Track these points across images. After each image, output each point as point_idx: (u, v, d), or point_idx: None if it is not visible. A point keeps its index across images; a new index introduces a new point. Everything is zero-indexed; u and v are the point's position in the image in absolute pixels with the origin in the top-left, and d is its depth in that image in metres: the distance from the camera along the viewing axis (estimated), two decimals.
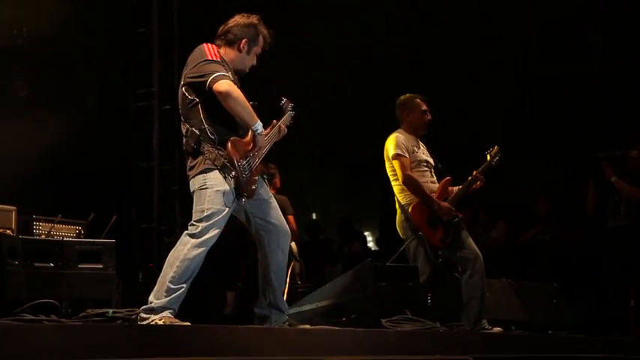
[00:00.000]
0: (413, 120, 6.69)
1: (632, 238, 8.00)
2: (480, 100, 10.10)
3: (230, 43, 5.06)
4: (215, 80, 4.74)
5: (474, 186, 6.60)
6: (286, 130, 5.30)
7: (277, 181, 8.71)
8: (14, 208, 6.45)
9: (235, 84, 4.84)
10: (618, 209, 8.13)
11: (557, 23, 10.61)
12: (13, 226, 6.37)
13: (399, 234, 6.71)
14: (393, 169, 6.58)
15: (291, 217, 8.32)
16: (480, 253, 6.41)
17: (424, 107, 6.70)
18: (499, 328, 6.36)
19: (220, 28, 5.11)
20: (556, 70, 10.53)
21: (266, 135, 5.07)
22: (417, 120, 6.69)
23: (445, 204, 6.46)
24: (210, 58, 4.88)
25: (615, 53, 10.27)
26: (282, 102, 5.47)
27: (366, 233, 12.64)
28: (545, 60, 10.73)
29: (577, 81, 10.32)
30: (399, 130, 6.69)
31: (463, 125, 9.67)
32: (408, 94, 6.77)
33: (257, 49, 5.12)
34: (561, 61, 10.53)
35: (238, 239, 7.86)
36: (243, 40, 5.05)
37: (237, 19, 5.10)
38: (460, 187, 6.61)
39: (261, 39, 5.11)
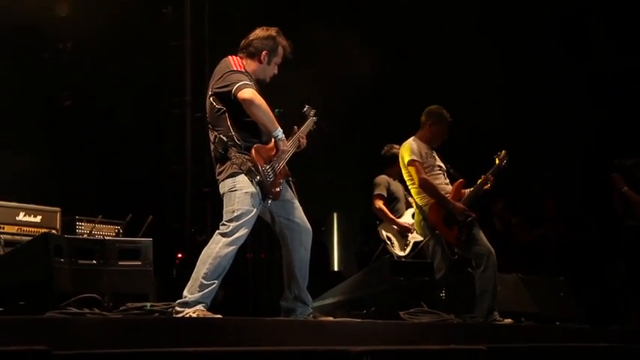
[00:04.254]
0: (434, 131, 6.70)
1: None
2: (489, 103, 10.09)
3: (252, 55, 5.10)
4: (239, 89, 4.79)
5: (485, 187, 6.63)
6: (305, 142, 5.31)
7: None
8: (59, 209, 6.53)
9: (258, 93, 4.89)
10: (634, 210, 8.14)
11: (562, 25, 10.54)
12: (58, 226, 6.44)
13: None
14: (409, 174, 6.62)
15: None
16: (492, 249, 6.42)
17: (447, 126, 6.73)
18: (510, 320, 6.38)
19: (242, 42, 5.16)
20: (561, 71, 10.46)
21: (289, 140, 5.11)
22: (437, 133, 6.71)
23: (459, 204, 6.48)
24: (235, 69, 4.94)
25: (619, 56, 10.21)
26: (305, 109, 5.49)
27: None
28: (548, 58, 10.64)
29: (584, 82, 10.27)
30: (413, 137, 6.72)
31: (472, 130, 9.65)
32: (440, 107, 6.77)
33: (277, 60, 5.17)
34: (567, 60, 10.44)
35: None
36: (264, 52, 5.10)
37: (257, 33, 5.14)
38: (472, 188, 6.64)
39: (280, 49, 5.15)
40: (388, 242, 7.38)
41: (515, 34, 10.24)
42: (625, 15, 10.04)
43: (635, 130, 9.33)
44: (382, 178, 7.62)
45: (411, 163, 6.57)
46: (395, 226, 7.46)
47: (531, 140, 10.09)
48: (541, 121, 10.26)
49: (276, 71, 5.19)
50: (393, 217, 7.45)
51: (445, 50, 10.12)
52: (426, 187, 6.52)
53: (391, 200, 7.60)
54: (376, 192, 7.54)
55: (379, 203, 7.49)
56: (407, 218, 7.50)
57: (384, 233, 7.45)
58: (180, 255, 9.22)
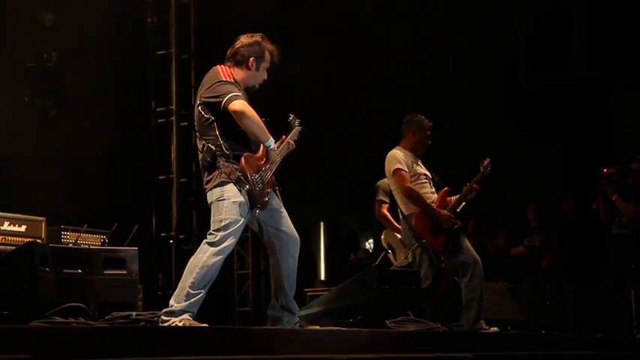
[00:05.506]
0: (417, 139, 6.68)
1: (633, 245, 8.01)
2: (471, 111, 10.13)
3: (239, 63, 5.08)
4: (230, 100, 4.78)
5: (470, 195, 6.63)
6: (294, 145, 5.32)
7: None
8: (44, 219, 6.50)
9: (247, 102, 4.89)
10: (621, 218, 8.14)
11: (543, 33, 10.61)
12: (43, 236, 6.41)
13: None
14: (394, 184, 6.61)
15: None
16: (478, 258, 6.41)
17: (429, 132, 6.72)
18: (496, 328, 6.37)
19: (228, 51, 5.12)
20: (543, 80, 10.53)
21: (277, 149, 5.10)
22: (420, 140, 6.69)
23: (445, 212, 6.47)
24: (224, 79, 4.91)
25: (600, 61, 10.28)
26: (290, 118, 5.45)
27: (371, 240, 12.60)
28: (532, 70, 10.71)
29: (564, 89, 10.33)
30: (398, 147, 6.70)
31: (455, 137, 9.69)
32: (419, 114, 6.76)
33: (265, 65, 5.13)
34: (548, 70, 10.51)
35: None
36: (251, 59, 5.07)
37: (242, 40, 5.12)
38: (457, 196, 6.63)
39: (267, 54, 5.11)
40: (389, 251, 7.30)
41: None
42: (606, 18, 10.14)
43: (614, 138, 9.41)
44: (382, 182, 7.29)
45: (396, 172, 6.56)
46: (398, 234, 7.18)
47: (510, 148, 10.14)
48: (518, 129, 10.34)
49: (265, 76, 5.16)
50: (396, 224, 7.15)
51: (426, 61, 10.18)
52: (411, 196, 6.51)
53: (392, 204, 7.23)
54: (377, 198, 7.38)
55: (383, 210, 7.35)
56: None
57: (386, 241, 7.34)
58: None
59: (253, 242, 9.52)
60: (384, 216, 7.31)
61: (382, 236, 7.40)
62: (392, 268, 7.06)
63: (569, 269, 8.95)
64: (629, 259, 8.00)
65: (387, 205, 7.31)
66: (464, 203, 6.54)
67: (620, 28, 9.94)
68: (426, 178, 6.65)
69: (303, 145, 5.40)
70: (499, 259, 9.60)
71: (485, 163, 6.72)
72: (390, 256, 7.27)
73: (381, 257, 7.36)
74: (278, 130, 5.24)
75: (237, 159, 4.82)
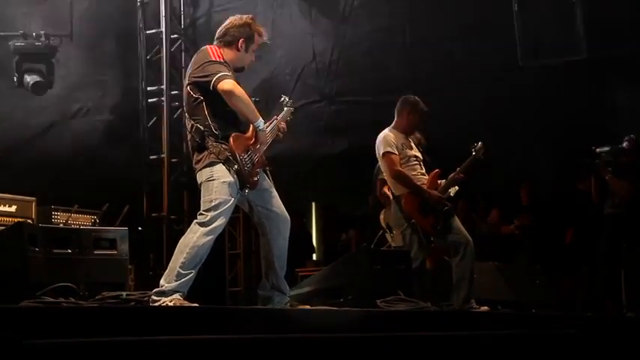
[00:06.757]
0: (410, 121, 6.65)
1: (625, 225, 8.00)
2: (467, 93, 10.08)
3: (229, 44, 5.07)
4: (219, 80, 4.77)
5: (459, 178, 6.61)
6: (286, 128, 5.31)
7: None
8: (34, 199, 6.50)
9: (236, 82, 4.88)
10: (614, 197, 8.12)
11: (544, 13, 10.53)
12: (34, 216, 6.41)
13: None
14: (384, 166, 6.61)
15: None
16: (470, 238, 6.42)
17: (423, 116, 6.70)
18: (486, 307, 6.40)
19: (218, 31, 5.13)
20: (544, 61, 10.46)
21: (267, 130, 5.10)
22: (413, 122, 6.67)
23: (435, 193, 6.47)
24: (214, 59, 4.90)
25: (602, 43, 10.21)
26: (282, 99, 5.48)
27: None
28: (532, 51, 10.64)
29: (565, 71, 10.27)
30: (389, 128, 6.67)
31: (450, 118, 9.64)
32: (416, 97, 6.73)
33: (254, 47, 5.14)
34: (549, 51, 10.45)
35: None
36: (241, 40, 5.07)
37: (233, 21, 5.12)
38: (447, 179, 6.62)
39: (256, 36, 5.13)
40: (387, 230, 7.30)
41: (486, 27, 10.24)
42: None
43: (607, 119, 9.37)
44: None
45: (385, 155, 6.54)
46: None
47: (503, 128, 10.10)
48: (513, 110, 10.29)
49: (253, 58, 5.17)
50: None
51: (423, 38, 10.11)
52: (399, 178, 6.50)
53: None
54: (380, 177, 7.36)
55: (384, 189, 7.31)
56: None
57: (385, 221, 7.34)
58: None
59: (244, 222, 9.52)
60: (386, 194, 7.32)
61: (381, 216, 7.41)
62: (386, 248, 7.06)
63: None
64: (621, 238, 8.00)
65: (387, 184, 7.30)
66: (451, 189, 6.54)
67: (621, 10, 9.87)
68: (416, 160, 6.64)
69: (295, 121, 5.38)
70: (490, 238, 9.61)
71: (478, 147, 6.69)
72: (388, 236, 7.26)
73: (377, 236, 7.36)
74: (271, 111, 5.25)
75: (226, 139, 4.81)
